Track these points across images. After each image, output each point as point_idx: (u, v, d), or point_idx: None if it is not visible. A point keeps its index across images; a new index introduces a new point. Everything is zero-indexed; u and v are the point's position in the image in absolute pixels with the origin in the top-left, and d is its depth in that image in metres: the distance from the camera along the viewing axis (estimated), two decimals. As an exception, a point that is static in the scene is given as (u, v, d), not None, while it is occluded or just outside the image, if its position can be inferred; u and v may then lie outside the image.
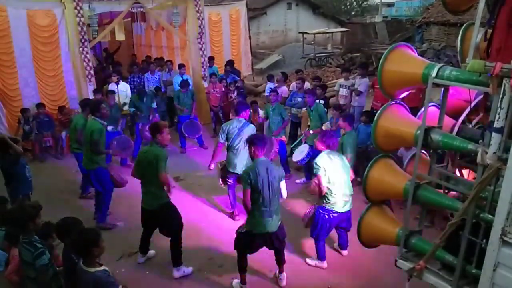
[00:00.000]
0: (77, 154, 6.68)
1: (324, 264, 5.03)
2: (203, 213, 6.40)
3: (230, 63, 11.15)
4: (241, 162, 5.73)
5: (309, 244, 5.31)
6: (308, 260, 5.14)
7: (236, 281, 4.69)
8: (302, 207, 6.21)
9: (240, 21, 12.77)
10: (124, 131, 9.16)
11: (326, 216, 4.78)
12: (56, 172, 8.12)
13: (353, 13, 39.03)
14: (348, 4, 40.94)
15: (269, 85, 9.55)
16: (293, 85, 9.27)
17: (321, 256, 5.02)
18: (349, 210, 4.89)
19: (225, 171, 5.94)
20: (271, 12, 26.80)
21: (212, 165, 6.00)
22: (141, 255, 5.17)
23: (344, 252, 5.26)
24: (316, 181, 4.69)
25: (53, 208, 5.63)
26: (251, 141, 4.38)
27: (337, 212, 4.77)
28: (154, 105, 8.86)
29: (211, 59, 11.16)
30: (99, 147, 5.73)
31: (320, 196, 4.80)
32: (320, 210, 4.82)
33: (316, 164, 4.72)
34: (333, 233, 5.21)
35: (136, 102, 8.51)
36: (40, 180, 7.14)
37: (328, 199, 4.73)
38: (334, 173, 4.70)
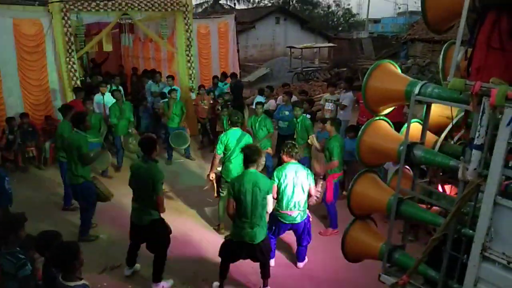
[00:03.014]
0: (62, 163, 6.57)
1: (271, 262, 5.06)
2: (189, 226, 6.33)
3: (233, 76, 11.17)
4: (237, 171, 5.71)
5: (293, 255, 5.31)
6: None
7: (215, 284, 4.76)
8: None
9: (229, 34, 12.86)
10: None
11: (274, 219, 5.00)
12: (39, 183, 7.96)
13: (340, 28, 39.74)
14: (335, 19, 41.67)
15: (258, 98, 9.58)
16: (280, 98, 9.34)
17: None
18: (300, 223, 4.99)
19: (219, 182, 5.92)
20: (260, 26, 27.08)
21: (212, 175, 5.93)
22: (127, 267, 5.08)
23: (300, 265, 5.27)
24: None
25: (34, 220, 5.51)
26: (246, 153, 4.44)
27: (282, 222, 4.96)
28: (132, 117, 8.61)
29: (224, 75, 11.09)
30: (89, 159, 5.65)
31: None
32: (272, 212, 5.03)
33: (273, 175, 4.94)
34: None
35: (117, 112, 8.30)
36: (22, 192, 7.01)
37: (276, 208, 4.93)
38: (286, 187, 4.85)
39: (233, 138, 5.75)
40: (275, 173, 4.95)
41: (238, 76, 13.57)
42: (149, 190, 4.51)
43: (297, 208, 4.90)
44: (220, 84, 11.01)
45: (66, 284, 2.97)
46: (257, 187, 4.26)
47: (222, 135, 5.99)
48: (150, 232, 4.69)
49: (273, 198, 4.89)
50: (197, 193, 7.17)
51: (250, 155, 4.38)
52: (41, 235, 3.57)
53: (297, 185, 4.87)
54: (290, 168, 4.91)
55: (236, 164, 5.69)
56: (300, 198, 4.90)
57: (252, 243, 4.38)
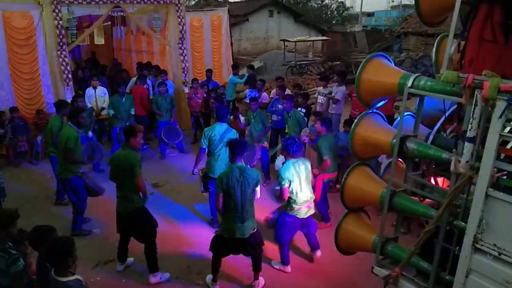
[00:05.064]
0: (53, 158, 6.53)
1: (288, 268, 5.07)
2: (182, 220, 6.32)
3: (244, 66, 11.03)
4: (221, 167, 5.70)
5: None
6: (273, 263, 5.17)
7: (209, 276, 4.77)
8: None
9: (222, 27, 12.74)
10: (100, 136, 9.05)
11: (288, 221, 4.88)
12: (31, 177, 7.92)
13: (333, 22, 39.74)
14: (329, 13, 41.63)
15: (249, 92, 9.53)
16: (274, 92, 9.30)
17: (285, 261, 5.07)
18: (311, 216, 5.00)
19: (206, 177, 5.90)
20: (253, 19, 26.97)
21: (196, 170, 5.95)
22: (119, 263, 5.07)
23: (318, 253, 5.24)
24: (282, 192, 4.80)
25: (27, 214, 5.48)
26: (231, 146, 4.42)
27: (298, 219, 4.89)
28: (133, 111, 8.69)
29: (235, 67, 11.02)
30: (74, 155, 5.58)
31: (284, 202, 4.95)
32: (283, 216, 4.93)
33: (281, 176, 4.76)
34: (304, 240, 5.24)
35: (115, 103, 8.36)
36: (14, 186, 6.97)
37: (292, 207, 4.84)
38: (298, 183, 4.79)
39: (217, 133, 5.71)
40: (283, 175, 4.74)
41: (231, 69, 13.49)
42: (128, 175, 4.53)
43: (310, 198, 4.91)
44: (232, 77, 10.79)
45: (58, 279, 2.95)
46: (246, 180, 4.27)
47: (206, 129, 5.94)
48: (134, 220, 4.72)
49: (285, 199, 4.82)
50: (189, 187, 7.16)
51: (234, 148, 4.36)
52: (34, 230, 3.54)
53: (308, 179, 4.87)
54: (297, 165, 4.84)
55: (219, 160, 5.67)
56: (311, 190, 4.96)
57: (243, 237, 4.39)
